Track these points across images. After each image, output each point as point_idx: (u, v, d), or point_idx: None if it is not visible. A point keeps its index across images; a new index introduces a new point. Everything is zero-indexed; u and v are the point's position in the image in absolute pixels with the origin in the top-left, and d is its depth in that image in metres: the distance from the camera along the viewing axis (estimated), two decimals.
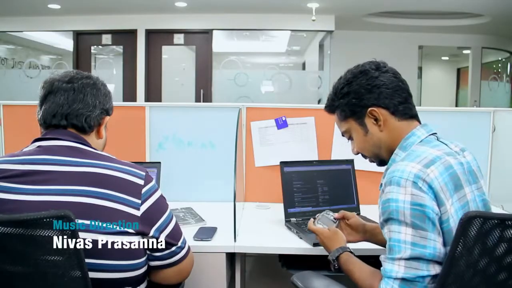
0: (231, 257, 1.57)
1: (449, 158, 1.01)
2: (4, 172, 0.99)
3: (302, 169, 1.87)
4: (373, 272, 1.05)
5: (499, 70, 8.46)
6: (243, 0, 5.73)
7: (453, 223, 0.94)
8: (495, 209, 1.92)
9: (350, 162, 1.95)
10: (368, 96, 1.11)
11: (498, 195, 2.03)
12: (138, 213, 1.03)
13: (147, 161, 2.10)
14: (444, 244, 0.95)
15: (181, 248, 1.14)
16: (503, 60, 8.45)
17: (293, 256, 1.53)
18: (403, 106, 1.12)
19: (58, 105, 1.08)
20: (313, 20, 5.54)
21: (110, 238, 0.98)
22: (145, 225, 1.04)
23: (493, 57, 8.38)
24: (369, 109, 1.11)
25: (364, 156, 1.21)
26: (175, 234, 1.12)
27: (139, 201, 1.04)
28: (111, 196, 1.00)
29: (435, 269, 0.94)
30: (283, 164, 1.85)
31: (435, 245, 0.93)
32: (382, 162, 1.16)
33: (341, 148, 2.12)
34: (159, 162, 1.85)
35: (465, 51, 8.46)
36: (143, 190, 1.05)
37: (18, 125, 2.13)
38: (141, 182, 1.06)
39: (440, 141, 1.10)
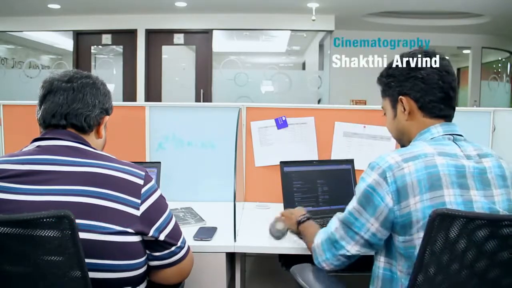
0: (231, 257, 1.57)
1: (438, 158, 1.02)
2: (3, 172, 0.99)
3: (302, 169, 1.87)
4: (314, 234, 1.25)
5: (499, 70, 8.46)
6: (243, 0, 5.72)
7: (415, 218, 1.00)
8: None
9: (350, 162, 1.95)
10: (404, 84, 1.15)
11: None
12: (137, 213, 1.03)
13: (147, 161, 2.10)
14: (398, 235, 1.04)
15: (181, 248, 1.14)
16: (503, 60, 8.44)
17: (293, 256, 1.53)
18: (433, 105, 1.13)
19: (57, 105, 1.08)
20: (313, 20, 5.54)
21: (110, 238, 0.98)
22: (144, 225, 1.04)
23: (493, 57, 8.38)
24: (400, 96, 1.15)
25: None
26: (175, 234, 1.12)
27: (139, 201, 1.04)
28: (110, 196, 1.00)
29: (354, 248, 1.10)
30: (283, 164, 1.84)
31: (365, 223, 1.07)
32: (402, 146, 1.21)
33: (341, 148, 2.12)
34: (159, 162, 1.84)
35: (465, 51, 8.45)
36: (143, 190, 1.05)
37: (18, 125, 2.13)
38: (141, 182, 1.06)
39: (455, 142, 1.09)
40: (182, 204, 1.97)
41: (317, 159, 2.11)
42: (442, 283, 0.92)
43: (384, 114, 1.27)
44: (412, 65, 1.15)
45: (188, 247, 1.18)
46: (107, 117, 1.18)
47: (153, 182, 1.10)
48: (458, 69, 10.04)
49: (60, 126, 1.09)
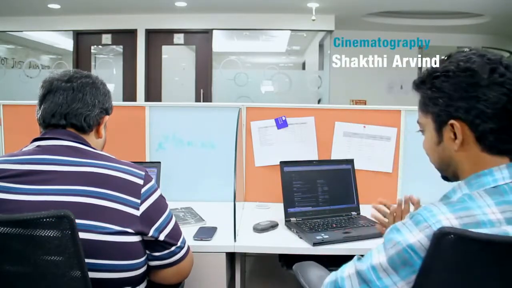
0: (231, 257, 1.57)
1: (508, 228, 0.78)
2: (3, 172, 0.99)
3: (302, 169, 1.87)
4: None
5: None
6: (243, 0, 5.72)
7: None
8: None
9: (350, 162, 1.95)
10: (458, 104, 0.86)
11: None
12: (137, 212, 1.03)
13: (147, 161, 2.10)
14: None
15: (181, 248, 1.14)
16: None
17: (293, 256, 1.53)
18: (495, 136, 0.85)
19: (57, 105, 1.09)
20: (313, 20, 5.54)
21: (109, 238, 0.98)
22: (144, 225, 1.04)
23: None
24: (452, 120, 0.87)
25: None
26: (175, 234, 1.12)
27: (139, 201, 1.04)
28: (110, 196, 1.00)
29: None
30: (283, 164, 1.84)
31: (390, 286, 0.82)
32: (444, 177, 0.98)
33: (341, 148, 2.12)
34: (159, 162, 1.84)
35: None
36: (143, 189, 1.05)
37: (18, 125, 2.13)
38: (141, 181, 1.06)
39: None
40: (182, 204, 1.97)
41: (317, 159, 2.11)
42: None
43: (421, 131, 0.99)
44: (473, 79, 0.85)
45: (188, 247, 1.18)
46: (107, 117, 1.18)
47: (153, 182, 1.10)
48: None
49: (60, 126, 1.09)
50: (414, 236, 0.80)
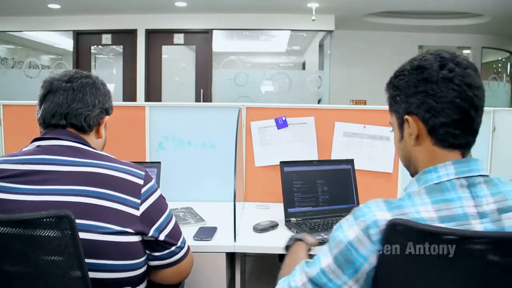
0: (231, 257, 1.57)
1: (441, 226, 0.80)
2: (3, 172, 0.99)
3: (302, 169, 1.87)
4: (291, 269, 0.97)
5: (499, 70, 8.45)
6: (243, 0, 5.72)
7: None
8: None
9: (350, 162, 1.95)
10: (411, 100, 0.90)
11: None
12: (137, 212, 1.03)
13: (147, 161, 2.10)
14: None
15: (181, 248, 1.14)
16: (503, 60, 8.44)
17: None
18: (445, 130, 0.87)
19: (57, 105, 1.09)
20: (313, 20, 5.54)
21: (109, 238, 0.98)
22: (144, 224, 1.04)
23: (493, 57, 8.38)
24: (406, 116, 0.91)
25: None
26: (175, 234, 1.12)
27: (139, 201, 1.04)
28: (110, 196, 1.00)
29: None
30: (283, 164, 1.84)
31: (341, 286, 0.84)
32: (411, 175, 0.99)
33: (341, 148, 2.12)
34: (159, 162, 1.84)
35: (465, 51, 8.45)
36: (143, 189, 1.06)
37: (18, 125, 2.13)
38: (141, 181, 1.06)
39: (471, 192, 0.84)
40: (182, 204, 1.97)
41: (317, 159, 2.11)
42: None
43: (393, 131, 1.03)
44: (423, 75, 0.88)
45: (188, 247, 1.18)
46: (107, 117, 1.19)
47: (153, 182, 1.10)
48: None
49: (60, 126, 1.09)
50: (353, 231, 0.84)
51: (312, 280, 0.87)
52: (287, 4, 5.77)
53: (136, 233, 1.03)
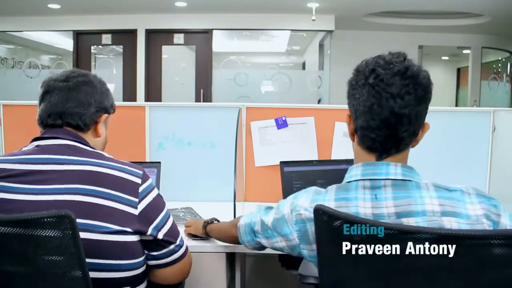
0: (231, 257, 1.57)
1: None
2: (3, 172, 0.99)
3: (302, 169, 1.87)
4: (233, 221, 1.26)
5: (499, 70, 8.46)
6: (243, 0, 5.73)
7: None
8: None
9: (350, 162, 1.94)
10: (349, 99, 0.97)
11: (498, 195, 2.02)
12: (135, 211, 1.03)
13: (147, 161, 2.10)
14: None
15: (180, 246, 1.14)
16: (503, 60, 8.45)
17: (293, 256, 1.53)
18: (363, 133, 0.93)
19: (52, 105, 1.09)
20: (313, 20, 5.55)
21: (108, 238, 0.99)
22: (142, 223, 1.04)
23: (493, 57, 8.39)
24: (348, 112, 0.98)
25: None
26: (173, 233, 1.12)
27: (137, 200, 1.04)
28: (108, 194, 1.00)
29: (268, 245, 1.09)
30: (283, 164, 1.84)
31: (276, 237, 1.04)
32: None
33: (341, 148, 2.12)
34: (159, 162, 1.84)
35: (465, 51, 8.46)
36: (141, 188, 1.06)
37: (18, 125, 2.13)
38: (139, 180, 1.06)
39: (371, 194, 0.89)
40: (182, 204, 1.97)
41: (317, 159, 2.10)
42: None
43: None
44: (356, 78, 0.94)
45: (187, 247, 1.18)
46: (105, 116, 1.17)
47: (150, 181, 1.10)
48: (458, 69, 10.06)
49: (57, 126, 1.09)
50: (287, 208, 1.00)
51: (261, 223, 1.09)
52: (287, 4, 5.78)
53: (134, 232, 1.03)
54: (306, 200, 0.97)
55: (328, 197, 0.93)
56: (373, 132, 0.90)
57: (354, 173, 0.94)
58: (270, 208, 1.12)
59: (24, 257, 0.89)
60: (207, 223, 1.44)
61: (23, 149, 1.07)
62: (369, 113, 0.89)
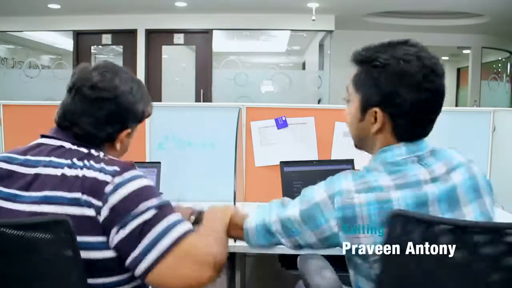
0: (231, 257, 1.57)
1: (395, 193, 0.90)
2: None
3: (302, 169, 1.87)
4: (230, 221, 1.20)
5: (499, 70, 8.47)
6: (243, 0, 5.73)
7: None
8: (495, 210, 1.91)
9: (350, 162, 1.95)
10: (386, 98, 0.95)
11: (498, 195, 2.03)
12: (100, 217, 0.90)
13: (147, 161, 2.10)
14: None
15: (177, 223, 0.98)
16: (503, 60, 8.45)
17: (293, 256, 1.53)
18: (408, 129, 0.97)
19: (69, 111, 1.00)
20: (313, 20, 5.55)
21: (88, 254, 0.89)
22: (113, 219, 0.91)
23: (493, 57, 8.39)
24: (375, 108, 0.96)
25: None
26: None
27: (101, 204, 0.90)
28: (68, 199, 0.89)
29: (289, 244, 1.03)
30: (283, 164, 1.84)
31: (305, 233, 0.98)
32: (356, 146, 1.10)
33: (341, 148, 2.12)
34: (159, 162, 1.84)
35: (465, 51, 8.46)
36: (108, 188, 0.91)
37: (18, 125, 2.13)
38: (109, 178, 0.91)
39: (422, 164, 0.95)
40: (182, 204, 1.97)
41: (317, 159, 2.10)
42: None
43: (346, 100, 1.08)
44: (403, 78, 0.93)
45: (189, 227, 0.98)
46: (126, 132, 1.05)
47: (126, 175, 0.94)
48: (458, 69, 10.07)
49: (68, 129, 1.01)
50: (321, 195, 0.98)
51: (281, 221, 1.03)
52: (287, 4, 5.78)
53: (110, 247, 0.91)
54: (349, 184, 0.95)
55: (378, 174, 0.95)
56: (417, 126, 0.97)
57: (397, 152, 0.96)
58: (282, 203, 1.09)
59: (21, 262, 0.88)
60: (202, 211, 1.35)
61: (29, 144, 1.03)
62: (418, 113, 0.95)
